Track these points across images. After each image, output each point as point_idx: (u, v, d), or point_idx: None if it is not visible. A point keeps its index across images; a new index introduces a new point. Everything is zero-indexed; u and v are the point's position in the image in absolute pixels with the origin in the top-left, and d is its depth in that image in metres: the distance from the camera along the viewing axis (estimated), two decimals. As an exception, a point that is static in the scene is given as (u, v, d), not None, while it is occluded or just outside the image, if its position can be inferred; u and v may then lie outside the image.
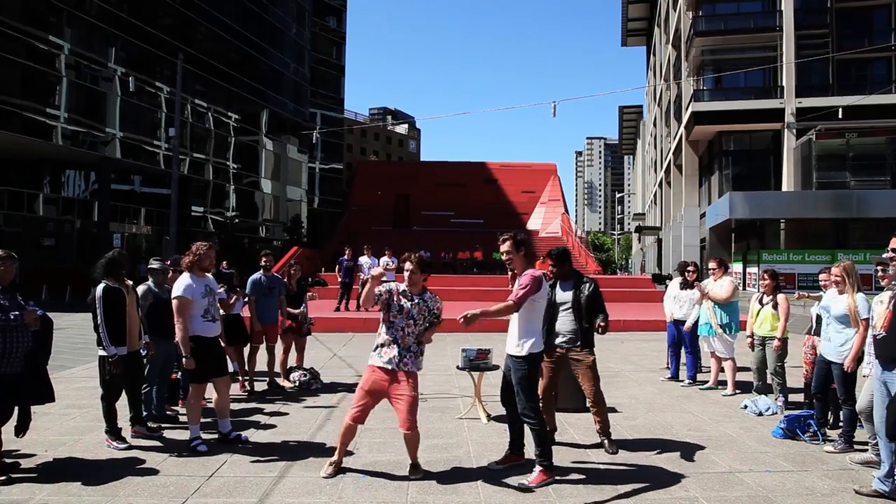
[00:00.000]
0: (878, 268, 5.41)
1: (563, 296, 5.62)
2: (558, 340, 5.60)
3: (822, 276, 6.50)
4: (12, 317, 4.62)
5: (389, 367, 4.79)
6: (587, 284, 5.65)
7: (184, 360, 5.48)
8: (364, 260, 17.34)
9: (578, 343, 5.57)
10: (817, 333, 6.60)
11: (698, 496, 4.49)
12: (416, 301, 4.89)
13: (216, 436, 5.71)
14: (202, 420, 5.73)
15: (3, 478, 4.66)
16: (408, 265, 4.92)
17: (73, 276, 23.19)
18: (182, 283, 5.54)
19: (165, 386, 6.62)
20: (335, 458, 4.95)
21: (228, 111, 42.18)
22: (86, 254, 28.13)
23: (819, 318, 6.51)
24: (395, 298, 4.88)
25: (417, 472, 4.90)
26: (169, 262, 6.80)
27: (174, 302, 5.48)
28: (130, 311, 5.68)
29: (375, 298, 4.85)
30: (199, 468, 5.02)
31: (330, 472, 4.86)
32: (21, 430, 5.07)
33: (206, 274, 5.78)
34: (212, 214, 41.89)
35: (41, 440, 5.66)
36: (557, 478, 4.75)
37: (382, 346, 4.86)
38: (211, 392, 5.74)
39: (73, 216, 32.28)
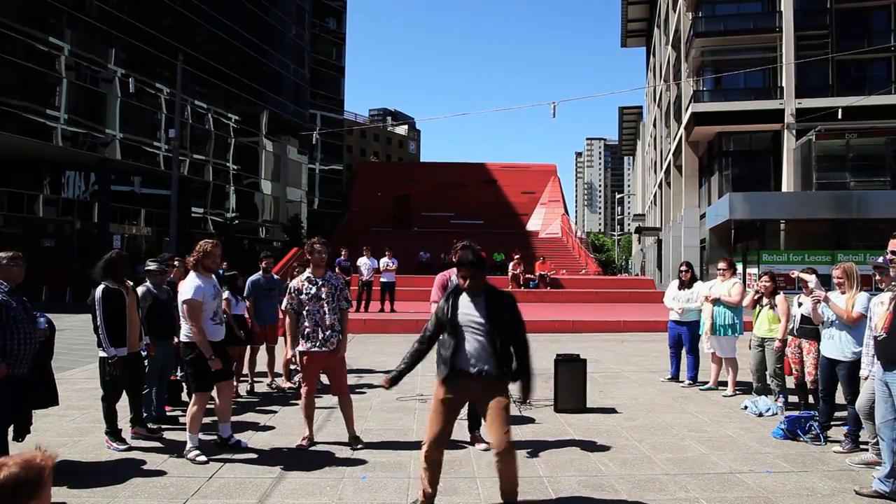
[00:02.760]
0: (876, 271, 5.41)
1: (474, 313, 4.13)
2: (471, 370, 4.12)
3: (802, 275, 6.63)
4: (14, 304, 4.61)
5: (318, 349, 5.50)
6: (506, 301, 4.20)
7: (209, 362, 5.27)
8: (363, 261, 17.31)
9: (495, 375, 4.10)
10: (803, 335, 6.63)
11: (699, 497, 4.49)
12: (321, 283, 5.58)
13: (215, 438, 5.69)
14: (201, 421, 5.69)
15: None
16: (317, 248, 5.61)
17: (73, 278, 23.18)
18: (191, 285, 5.31)
19: (165, 387, 6.62)
20: (307, 433, 5.67)
21: (228, 112, 42.21)
22: (86, 255, 28.14)
23: (803, 317, 6.55)
24: (303, 293, 5.54)
25: (358, 444, 5.58)
26: (160, 260, 6.77)
27: (184, 307, 5.27)
28: (130, 312, 5.67)
29: (297, 319, 5.59)
30: (199, 469, 5.03)
31: (304, 444, 5.57)
32: (21, 434, 4.98)
33: (211, 274, 5.61)
34: (212, 215, 41.90)
35: (41, 441, 5.65)
36: (558, 478, 4.75)
37: (309, 333, 5.49)
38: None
39: (73, 217, 32.29)
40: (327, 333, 5.51)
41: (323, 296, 5.52)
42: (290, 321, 5.58)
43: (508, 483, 4.08)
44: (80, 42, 29.55)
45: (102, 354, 5.54)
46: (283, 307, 5.63)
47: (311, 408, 5.67)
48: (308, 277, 5.60)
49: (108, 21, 30.99)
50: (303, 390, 5.62)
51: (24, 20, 26.46)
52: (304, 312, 5.52)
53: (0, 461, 1.67)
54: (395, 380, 4.32)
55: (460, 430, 5.85)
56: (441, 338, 4.20)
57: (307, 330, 5.49)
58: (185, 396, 7.22)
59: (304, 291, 5.53)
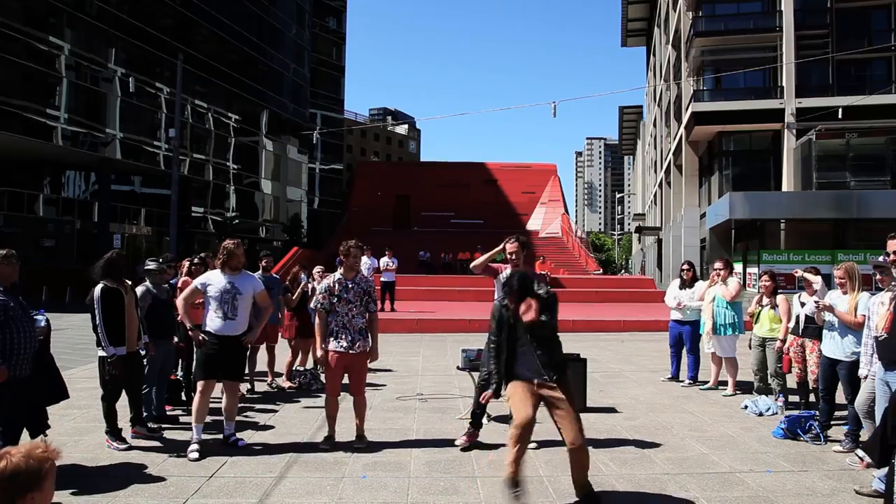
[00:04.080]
0: (876, 270, 5.40)
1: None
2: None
3: (807, 276, 6.69)
4: (12, 304, 4.61)
5: (346, 350, 5.51)
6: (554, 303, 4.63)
7: (191, 333, 5.54)
8: (363, 260, 17.30)
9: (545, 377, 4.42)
10: (807, 335, 6.63)
11: (699, 496, 4.49)
12: (351, 286, 5.61)
13: (219, 437, 5.70)
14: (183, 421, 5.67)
15: None
16: (353, 251, 5.64)
17: (73, 277, 23.18)
18: (205, 275, 5.72)
19: (165, 386, 6.62)
20: (328, 432, 5.68)
21: (228, 112, 42.17)
22: (86, 255, 28.13)
23: (808, 317, 6.56)
24: (334, 293, 5.56)
25: (363, 443, 5.60)
26: (161, 261, 6.78)
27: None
28: (129, 311, 5.67)
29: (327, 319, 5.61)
30: (199, 469, 5.03)
31: (327, 446, 5.54)
32: (39, 431, 4.93)
33: (245, 272, 5.78)
34: (212, 215, 41.88)
35: (41, 441, 5.66)
36: (558, 478, 4.75)
37: (337, 333, 5.54)
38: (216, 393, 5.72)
39: (74, 217, 32.27)
40: (356, 336, 5.54)
41: (352, 298, 5.55)
42: (320, 320, 5.58)
43: (583, 470, 4.36)
44: (81, 42, 29.52)
45: (102, 354, 5.54)
46: (312, 306, 5.69)
47: (334, 408, 5.68)
48: (339, 279, 5.61)
49: (109, 21, 30.98)
50: (328, 391, 5.66)
51: (24, 20, 26.44)
52: (333, 312, 5.58)
53: (3, 451, 1.68)
54: (497, 392, 4.57)
55: (460, 430, 5.86)
56: (501, 343, 4.49)
57: (335, 329, 5.54)
58: (184, 396, 7.23)
59: (335, 293, 5.55)
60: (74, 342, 12.14)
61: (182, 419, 6.40)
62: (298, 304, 8.55)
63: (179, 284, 7.09)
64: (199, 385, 5.54)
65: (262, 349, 8.39)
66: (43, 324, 5.10)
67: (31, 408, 4.86)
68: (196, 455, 5.26)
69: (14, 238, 26.13)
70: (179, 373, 7.37)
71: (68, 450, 5.50)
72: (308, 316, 8.57)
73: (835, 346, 5.80)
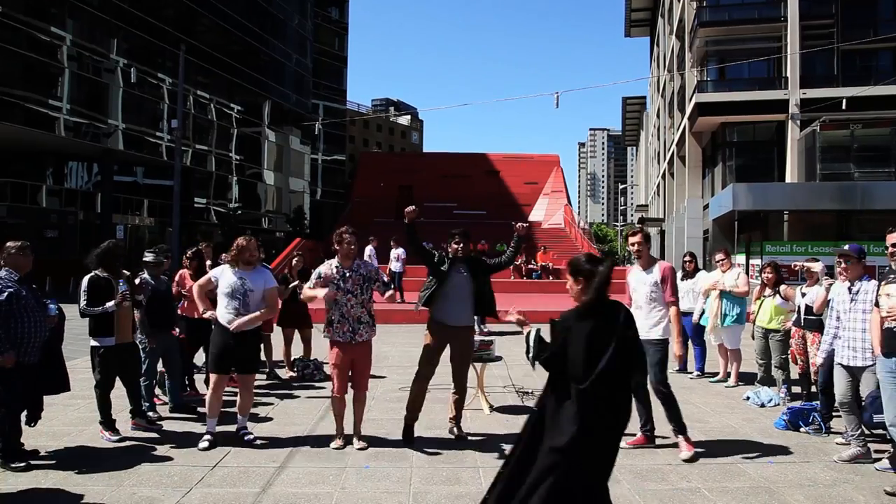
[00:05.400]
0: (840, 260, 5.26)
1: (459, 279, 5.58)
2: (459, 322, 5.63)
3: (807, 264, 6.72)
4: (24, 293, 4.67)
5: (346, 340, 5.30)
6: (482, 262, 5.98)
7: (206, 315, 5.52)
8: (370, 251, 17.31)
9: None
10: (807, 326, 6.61)
11: (700, 487, 4.50)
12: (349, 274, 5.35)
13: (231, 429, 5.68)
14: (200, 412, 5.68)
15: (22, 464, 4.70)
16: (346, 238, 5.39)
17: (76, 268, 23.19)
18: (216, 270, 5.72)
19: (178, 377, 6.63)
20: (337, 430, 5.47)
21: (231, 102, 42.10)
22: (89, 245, 28.01)
23: (808, 308, 6.55)
24: (330, 280, 5.34)
25: (359, 443, 5.35)
26: (157, 251, 6.75)
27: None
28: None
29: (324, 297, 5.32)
30: (202, 458, 5.05)
31: (339, 444, 5.36)
32: (32, 419, 5.10)
33: (259, 267, 5.65)
34: (214, 206, 41.89)
35: (46, 430, 5.68)
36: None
37: (335, 323, 5.32)
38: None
39: (76, 208, 32.31)
40: (355, 325, 5.31)
41: (350, 287, 5.31)
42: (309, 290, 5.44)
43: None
44: (83, 32, 29.46)
45: (94, 344, 5.57)
46: (307, 287, 5.47)
47: (341, 406, 5.44)
48: (336, 267, 5.39)
49: (110, 11, 30.88)
50: (334, 387, 5.40)
51: (26, 10, 26.37)
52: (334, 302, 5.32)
53: None
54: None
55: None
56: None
57: (334, 319, 5.32)
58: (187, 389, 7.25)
59: (333, 281, 5.31)
60: (78, 333, 12.14)
61: (201, 409, 6.32)
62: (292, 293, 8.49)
63: (176, 279, 7.13)
64: (212, 378, 5.50)
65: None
66: (54, 313, 5.16)
67: (30, 395, 4.95)
68: (205, 444, 5.29)
69: (17, 229, 26.13)
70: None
71: (72, 439, 5.55)
72: (300, 304, 8.51)
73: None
